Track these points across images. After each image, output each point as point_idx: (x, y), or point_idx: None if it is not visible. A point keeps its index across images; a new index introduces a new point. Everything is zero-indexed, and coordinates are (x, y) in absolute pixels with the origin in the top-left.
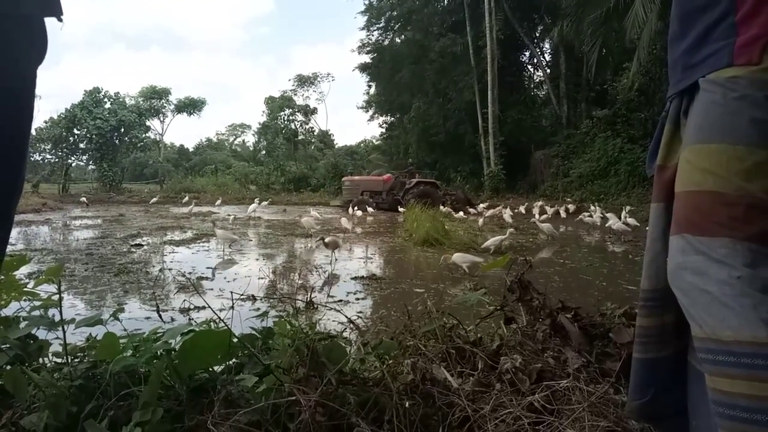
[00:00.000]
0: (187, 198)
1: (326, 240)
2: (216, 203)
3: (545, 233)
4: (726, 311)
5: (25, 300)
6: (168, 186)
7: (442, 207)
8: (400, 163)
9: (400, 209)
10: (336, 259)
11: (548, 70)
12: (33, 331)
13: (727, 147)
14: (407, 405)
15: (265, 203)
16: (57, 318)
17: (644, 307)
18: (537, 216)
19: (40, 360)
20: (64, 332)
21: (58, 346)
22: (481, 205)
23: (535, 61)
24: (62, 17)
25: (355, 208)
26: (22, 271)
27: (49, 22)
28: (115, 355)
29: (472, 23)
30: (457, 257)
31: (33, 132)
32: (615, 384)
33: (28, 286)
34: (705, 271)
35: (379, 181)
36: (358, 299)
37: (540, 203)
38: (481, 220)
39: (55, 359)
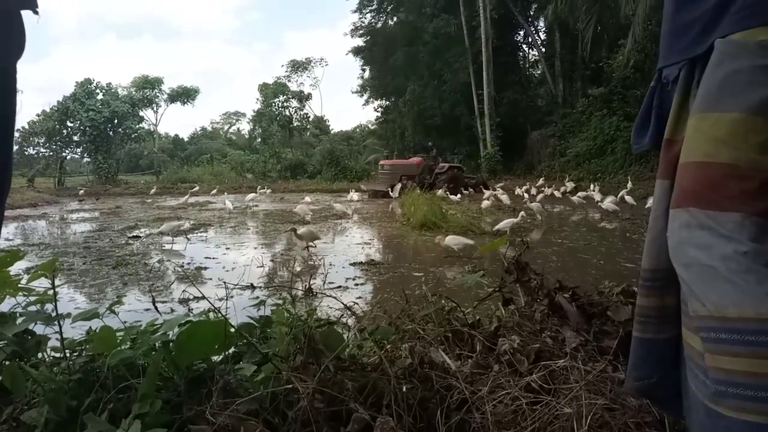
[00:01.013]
0: (197, 188)
1: (299, 231)
2: (211, 192)
3: (534, 212)
4: (730, 287)
5: (22, 295)
6: (164, 176)
7: (440, 191)
8: (397, 146)
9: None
10: (315, 253)
11: (543, 49)
12: (31, 327)
13: (747, 117)
14: (405, 389)
15: (267, 191)
16: (54, 313)
17: (644, 287)
18: (527, 196)
19: (39, 355)
20: (60, 327)
21: (56, 340)
22: (498, 185)
23: (530, 40)
24: (38, 10)
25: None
26: (20, 266)
27: (33, 15)
28: (112, 348)
29: (466, 3)
30: (450, 239)
31: (26, 126)
32: (613, 362)
33: (22, 281)
34: (710, 246)
35: (413, 165)
36: (357, 285)
37: (540, 182)
38: (486, 202)
39: (53, 354)
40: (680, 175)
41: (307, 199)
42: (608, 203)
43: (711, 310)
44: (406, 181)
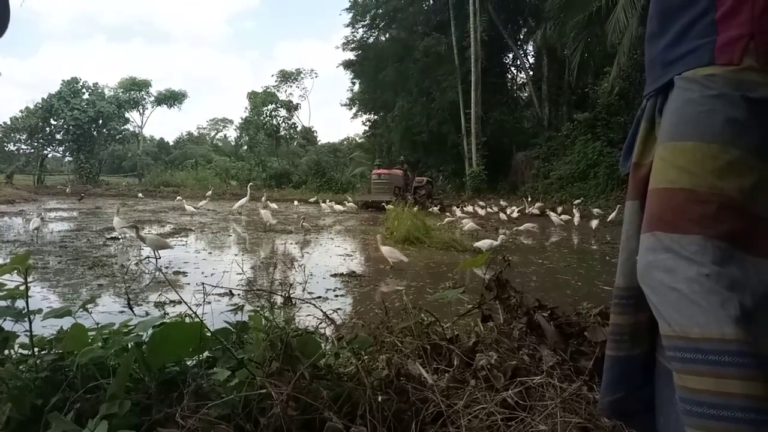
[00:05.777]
0: (210, 192)
1: (146, 237)
2: (176, 198)
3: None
4: (694, 308)
5: None
6: (147, 179)
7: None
8: (384, 160)
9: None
10: (158, 258)
11: (531, 73)
12: None
13: (701, 145)
14: (380, 400)
15: (271, 203)
16: (25, 309)
17: (618, 305)
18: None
19: (6, 352)
20: (30, 323)
21: (25, 337)
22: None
23: (519, 63)
24: None
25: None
26: None
27: (24, 10)
28: (82, 347)
29: (457, 24)
30: (386, 250)
31: (7, 121)
32: (588, 381)
33: None
34: (674, 269)
35: (400, 176)
36: (337, 296)
37: (523, 204)
38: (471, 225)
39: (21, 351)
40: (648, 201)
41: (273, 206)
42: (526, 225)
43: (677, 330)
44: (398, 192)
